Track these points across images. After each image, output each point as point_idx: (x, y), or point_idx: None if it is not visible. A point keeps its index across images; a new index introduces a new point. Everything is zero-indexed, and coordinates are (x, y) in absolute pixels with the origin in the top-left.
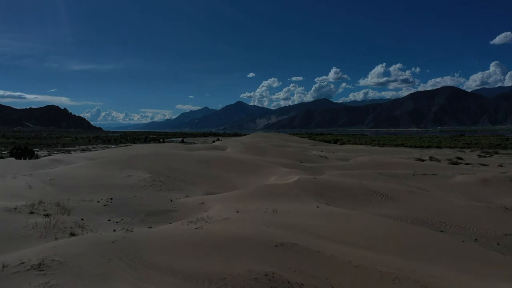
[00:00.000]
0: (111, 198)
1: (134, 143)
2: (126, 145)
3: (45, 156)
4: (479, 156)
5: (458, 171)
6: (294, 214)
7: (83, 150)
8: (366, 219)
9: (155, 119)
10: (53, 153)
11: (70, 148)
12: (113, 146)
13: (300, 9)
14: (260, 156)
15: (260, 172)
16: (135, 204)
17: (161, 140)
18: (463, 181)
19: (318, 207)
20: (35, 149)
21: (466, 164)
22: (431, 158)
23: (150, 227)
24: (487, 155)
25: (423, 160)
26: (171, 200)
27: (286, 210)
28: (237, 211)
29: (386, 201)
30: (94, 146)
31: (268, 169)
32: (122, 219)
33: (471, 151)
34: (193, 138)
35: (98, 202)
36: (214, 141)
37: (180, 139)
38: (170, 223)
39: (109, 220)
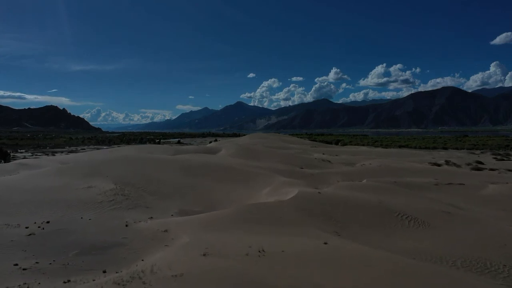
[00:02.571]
0: (48, 222)
1: (128, 144)
2: (118, 146)
3: (23, 158)
4: (495, 159)
5: (485, 178)
6: (290, 260)
7: (69, 152)
8: (398, 265)
9: (155, 120)
10: (37, 154)
11: (57, 150)
12: (104, 147)
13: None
14: (254, 160)
15: (251, 182)
16: (74, 231)
17: (157, 141)
18: (500, 192)
19: (326, 243)
20: (21, 150)
21: (491, 169)
22: (447, 162)
23: None
24: (504, 158)
25: (439, 165)
26: (127, 225)
27: (279, 251)
28: (205, 254)
29: (417, 227)
30: (84, 147)
31: (261, 178)
32: (37, 263)
33: (481, 152)
34: (190, 139)
35: (27, 228)
36: (211, 142)
37: (177, 139)
38: (104, 271)
39: (16, 264)
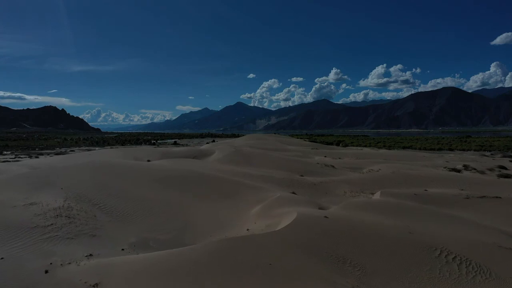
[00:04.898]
0: None
1: (122, 145)
2: (111, 148)
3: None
4: None
5: None
6: None
7: (57, 154)
8: None
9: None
10: (20, 156)
11: (45, 151)
12: (97, 149)
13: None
14: (247, 166)
15: (239, 198)
16: None
17: (153, 142)
18: None
19: None
20: (6, 152)
21: None
22: (466, 167)
23: None
24: None
25: (458, 171)
26: (47, 271)
27: None
28: None
29: (474, 276)
30: (74, 149)
31: (252, 192)
32: None
33: (492, 154)
34: (188, 140)
35: None
36: (208, 143)
37: (173, 140)
38: None
39: None
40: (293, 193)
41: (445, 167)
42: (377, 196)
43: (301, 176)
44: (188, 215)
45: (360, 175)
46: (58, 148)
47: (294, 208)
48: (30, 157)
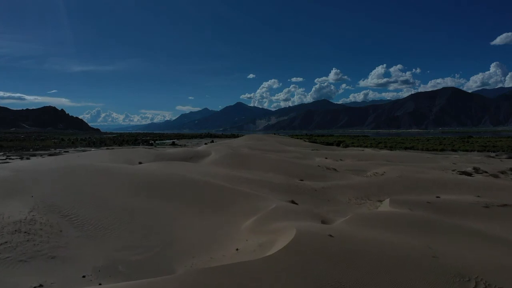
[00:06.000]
0: None
1: (120, 145)
2: (107, 148)
3: None
4: None
5: None
6: None
7: (50, 155)
8: None
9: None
10: (10, 158)
11: (39, 152)
12: (93, 149)
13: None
14: (244, 169)
15: (231, 207)
16: None
17: (151, 142)
18: None
19: None
20: (0, 153)
21: None
22: (477, 170)
23: None
24: None
25: (469, 174)
26: None
27: None
28: None
29: None
30: (68, 150)
31: (246, 199)
32: None
33: (497, 155)
34: (186, 140)
35: None
36: (206, 143)
37: (171, 141)
38: None
39: None
40: (292, 201)
41: (453, 170)
42: (385, 204)
43: (301, 180)
44: (171, 230)
45: (365, 179)
46: (53, 149)
47: (293, 223)
48: (22, 158)
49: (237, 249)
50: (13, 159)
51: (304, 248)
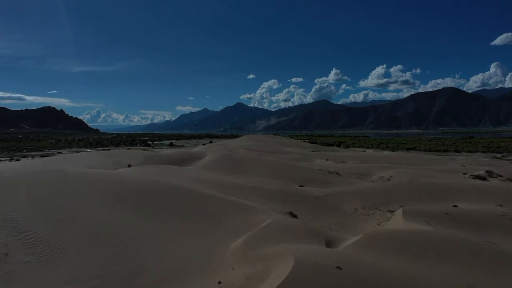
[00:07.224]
0: None
1: (117, 146)
2: (103, 149)
3: None
4: None
5: None
6: None
7: (42, 156)
8: None
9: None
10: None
11: (32, 153)
12: (88, 150)
13: (300, 9)
14: (238, 174)
15: (218, 223)
16: None
17: (149, 143)
18: None
19: None
20: None
21: None
22: (490, 174)
23: None
24: None
25: (484, 179)
26: None
27: None
28: None
29: None
30: (62, 151)
31: (236, 213)
32: None
33: (503, 156)
34: (185, 141)
35: None
36: (204, 144)
37: (170, 141)
38: None
39: None
40: (291, 212)
41: (465, 173)
42: (398, 216)
43: (301, 186)
44: (141, 254)
45: (370, 185)
46: (47, 150)
47: (290, 247)
48: (11, 159)
49: (219, 283)
50: (2, 160)
51: (304, 287)
